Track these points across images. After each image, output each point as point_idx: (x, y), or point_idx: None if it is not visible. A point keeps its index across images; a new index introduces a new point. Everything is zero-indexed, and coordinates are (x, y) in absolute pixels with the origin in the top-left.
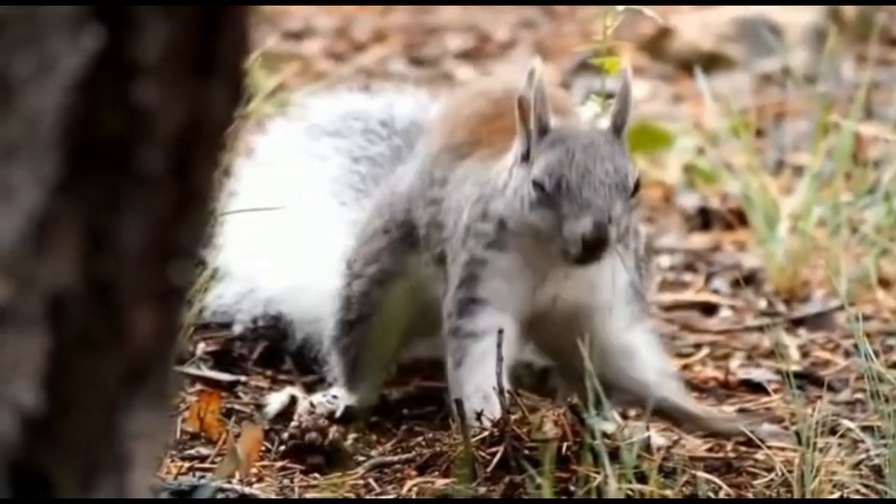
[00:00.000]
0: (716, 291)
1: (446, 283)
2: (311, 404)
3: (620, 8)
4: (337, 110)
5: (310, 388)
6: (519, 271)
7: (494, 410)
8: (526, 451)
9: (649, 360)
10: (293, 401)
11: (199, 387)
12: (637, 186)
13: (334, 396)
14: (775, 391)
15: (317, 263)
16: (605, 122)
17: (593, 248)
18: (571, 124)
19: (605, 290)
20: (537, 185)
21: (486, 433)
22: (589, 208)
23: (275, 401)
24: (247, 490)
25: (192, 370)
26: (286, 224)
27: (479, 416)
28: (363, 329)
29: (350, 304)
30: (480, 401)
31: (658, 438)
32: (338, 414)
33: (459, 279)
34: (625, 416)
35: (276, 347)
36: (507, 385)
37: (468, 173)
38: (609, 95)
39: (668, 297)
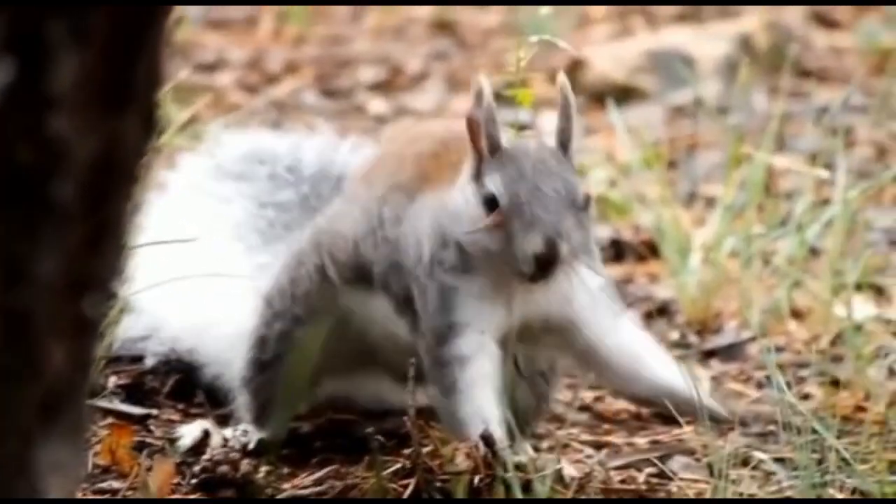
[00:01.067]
0: None
1: (415, 321)
2: (225, 438)
3: (533, 39)
4: (242, 150)
5: (222, 421)
6: (488, 292)
7: (497, 435)
8: (438, 484)
9: (656, 358)
10: (206, 434)
11: (110, 420)
12: (588, 201)
13: (245, 430)
14: (688, 423)
15: (222, 303)
16: (551, 140)
17: (546, 265)
18: (520, 143)
19: (581, 299)
20: (488, 204)
21: (398, 465)
22: (539, 225)
23: (187, 434)
24: None
25: (104, 403)
26: (192, 261)
27: (487, 443)
28: (276, 369)
29: (266, 345)
30: (480, 426)
31: (570, 470)
32: (250, 447)
33: (433, 308)
34: (537, 449)
35: (187, 381)
36: (500, 413)
37: (423, 207)
38: (522, 127)
39: None
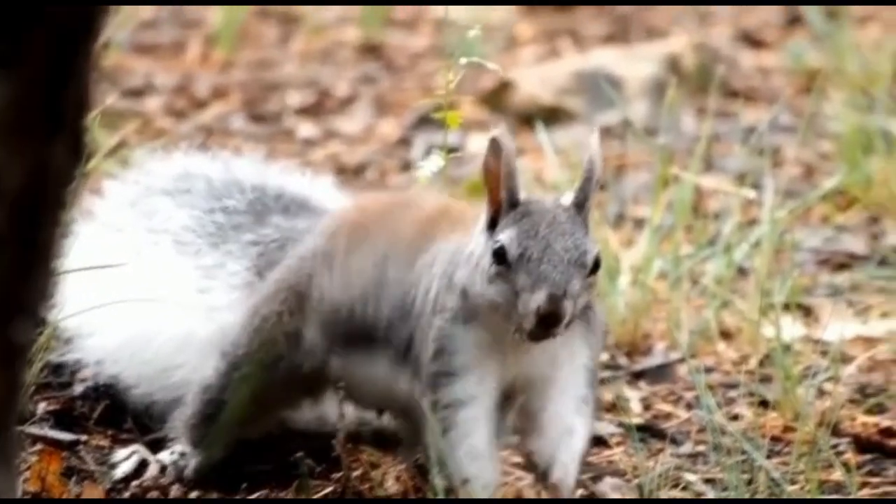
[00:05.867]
0: None
1: (416, 367)
2: (163, 467)
3: (463, 61)
4: (174, 171)
5: (152, 446)
6: (486, 343)
7: (486, 473)
8: None
9: (570, 455)
10: (143, 463)
11: (40, 446)
12: (597, 264)
13: (182, 454)
14: (617, 444)
15: (156, 324)
16: (567, 198)
17: (548, 323)
18: (537, 198)
19: (564, 366)
20: (497, 256)
21: (328, 489)
22: (545, 282)
23: (123, 463)
24: None
25: (34, 430)
26: (125, 282)
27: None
28: (222, 415)
29: (221, 406)
30: (471, 463)
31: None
32: (187, 473)
33: (432, 352)
34: None
35: (116, 406)
36: (494, 453)
37: (434, 255)
38: (451, 150)
39: None
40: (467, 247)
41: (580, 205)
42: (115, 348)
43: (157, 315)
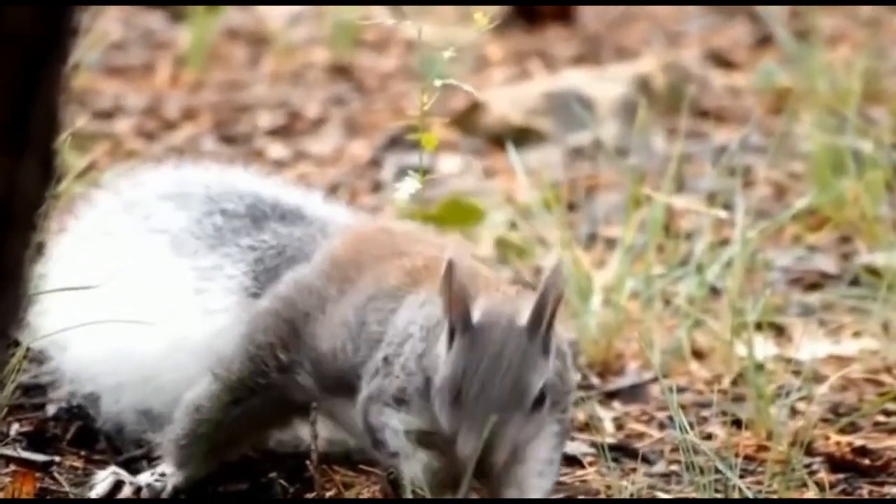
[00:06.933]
0: None
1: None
2: (138, 488)
3: (438, 83)
4: (170, 178)
5: (125, 467)
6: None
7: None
8: None
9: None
10: (119, 484)
11: (13, 468)
12: (543, 397)
13: (162, 474)
14: (590, 464)
15: (139, 343)
16: (523, 317)
17: (480, 466)
18: (494, 317)
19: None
20: (439, 390)
21: None
22: (475, 431)
23: (99, 485)
24: None
25: (7, 451)
26: (121, 283)
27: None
28: (213, 434)
29: (212, 426)
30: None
31: None
32: (165, 495)
33: (379, 423)
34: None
35: (89, 427)
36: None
37: (416, 306)
38: (426, 171)
39: None
40: (440, 343)
41: (534, 329)
42: (103, 356)
43: (151, 319)
